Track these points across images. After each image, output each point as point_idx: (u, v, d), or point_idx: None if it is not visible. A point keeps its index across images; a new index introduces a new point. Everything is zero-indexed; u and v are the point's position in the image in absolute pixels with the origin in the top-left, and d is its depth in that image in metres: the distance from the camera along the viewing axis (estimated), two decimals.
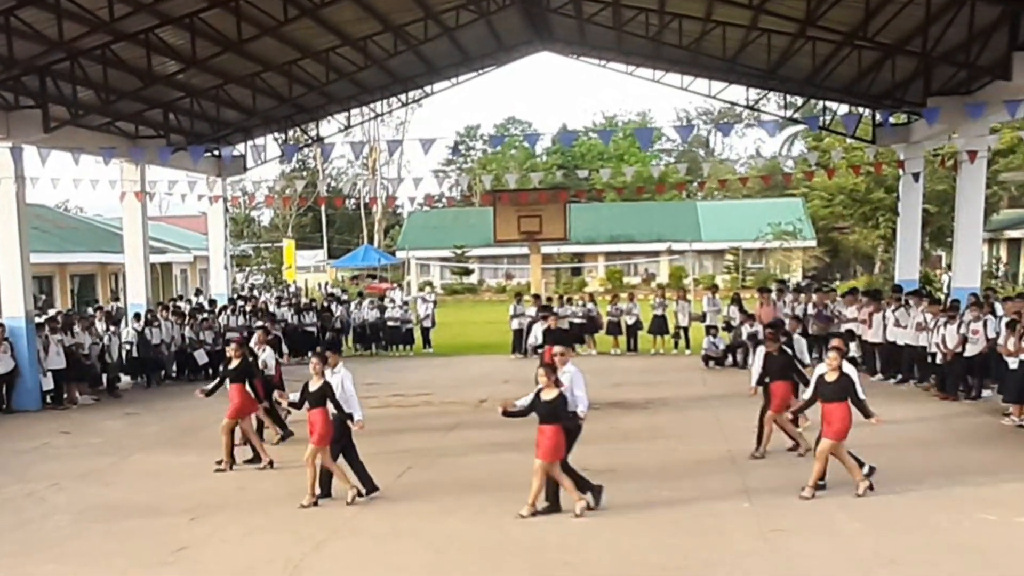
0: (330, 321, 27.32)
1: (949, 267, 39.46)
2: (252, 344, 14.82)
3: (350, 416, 10.93)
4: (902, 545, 9.00)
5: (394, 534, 9.78)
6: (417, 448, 13.80)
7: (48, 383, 18.83)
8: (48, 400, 18.96)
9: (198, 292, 33.42)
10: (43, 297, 30.04)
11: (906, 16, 17.13)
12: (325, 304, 28.89)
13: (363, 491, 10.97)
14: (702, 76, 27.03)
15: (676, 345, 24.99)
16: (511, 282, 54.75)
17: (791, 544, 9.14)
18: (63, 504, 11.34)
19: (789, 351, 12.92)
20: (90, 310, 24.82)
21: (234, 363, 13.12)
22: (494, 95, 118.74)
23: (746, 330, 21.67)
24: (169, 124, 23.69)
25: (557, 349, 10.91)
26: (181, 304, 26.27)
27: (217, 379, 13.60)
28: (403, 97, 30.91)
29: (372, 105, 31.02)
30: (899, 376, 18.86)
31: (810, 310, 21.70)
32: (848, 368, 10.70)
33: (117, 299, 33.21)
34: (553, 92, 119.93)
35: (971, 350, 16.35)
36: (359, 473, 11.07)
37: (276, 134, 29.04)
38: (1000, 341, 15.43)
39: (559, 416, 9.95)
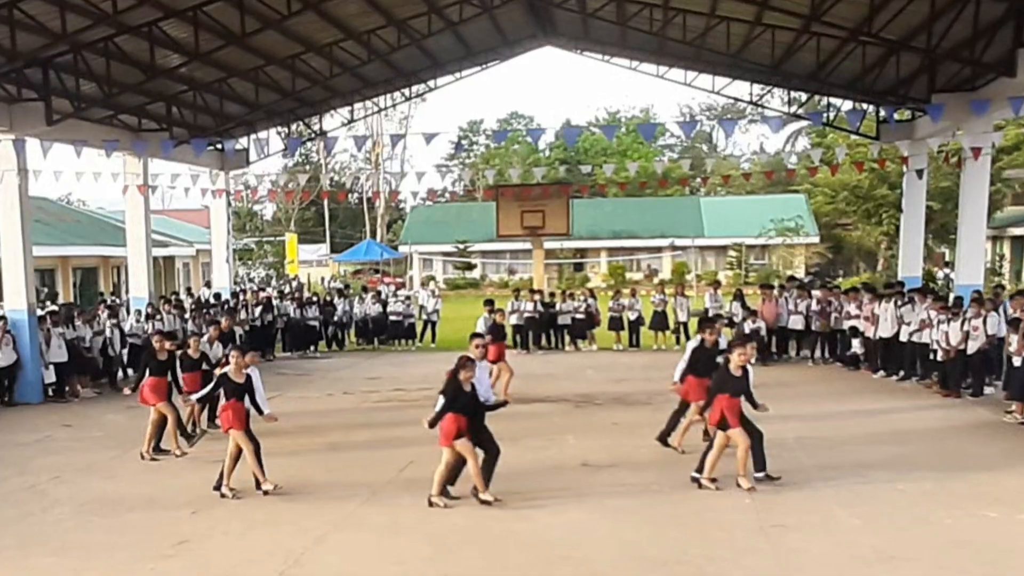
0: (332, 315, 27.34)
1: (947, 263, 39.50)
2: (205, 340, 15.11)
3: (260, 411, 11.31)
4: (902, 541, 8.99)
5: (395, 528, 9.79)
6: (419, 442, 13.73)
7: (50, 376, 18.86)
8: (50, 393, 18.99)
9: (207, 284, 33.45)
10: (45, 290, 30.06)
11: (911, 12, 17.07)
12: (327, 298, 28.92)
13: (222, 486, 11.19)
14: (706, 72, 26.96)
15: (677, 341, 24.95)
16: (513, 277, 54.72)
17: (791, 540, 9.13)
18: (64, 497, 11.35)
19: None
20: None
21: (160, 356, 13.33)
22: (497, 90, 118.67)
23: (748, 326, 21.69)
24: (172, 117, 23.65)
25: (477, 341, 11.11)
26: (185, 297, 26.32)
27: (139, 373, 13.67)
28: (406, 91, 30.89)
29: (375, 99, 31.00)
30: (901, 373, 18.85)
31: (813, 307, 21.69)
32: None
33: (114, 294, 33.20)
34: (556, 87, 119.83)
35: (972, 347, 16.35)
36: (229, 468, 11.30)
37: (279, 128, 29.03)
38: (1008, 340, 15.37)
39: (479, 406, 10.40)
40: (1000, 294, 18.63)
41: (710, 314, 23.54)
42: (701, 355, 12.61)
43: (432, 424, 10.37)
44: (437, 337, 27.67)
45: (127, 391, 13.87)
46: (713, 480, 10.81)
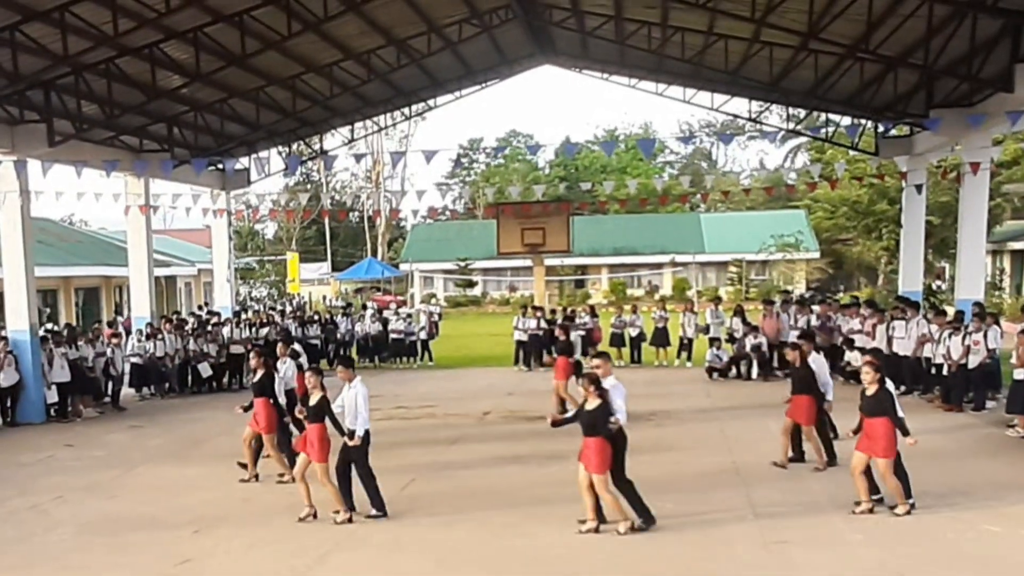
0: (334, 334, 27.36)
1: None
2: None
3: (351, 432, 10.59)
4: (906, 557, 8.98)
5: (397, 546, 9.79)
6: (421, 460, 13.80)
7: (52, 396, 18.85)
8: (52, 413, 18.98)
9: (203, 304, 33.55)
10: (47, 310, 30.09)
11: (908, 29, 17.16)
12: (329, 316, 28.95)
13: (374, 512, 10.77)
14: (704, 89, 27.09)
15: (678, 356, 24.94)
16: (515, 294, 54.75)
17: (794, 556, 9.12)
18: (67, 517, 11.35)
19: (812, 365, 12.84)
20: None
21: (258, 374, 12.85)
22: (497, 108, 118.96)
23: (749, 342, 21.71)
24: (173, 138, 23.75)
25: (595, 361, 10.79)
26: (189, 316, 26.37)
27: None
28: (406, 110, 31.00)
29: (375, 118, 31.12)
30: (902, 388, 18.84)
31: (814, 322, 21.69)
32: (889, 384, 10.61)
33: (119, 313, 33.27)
34: (556, 105, 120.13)
35: (974, 361, 16.35)
36: (372, 492, 10.82)
37: (280, 147, 29.13)
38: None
39: (596, 427, 9.72)
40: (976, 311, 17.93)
41: (711, 331, 23.63)
42: (792, 374, 12.99)
43: (554, 423, 10.59)
44: (434, 356, 27.66)
45: (238, 409, 13.03)
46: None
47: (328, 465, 10.60)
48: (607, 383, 10.08)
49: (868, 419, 10.33)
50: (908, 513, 10.17)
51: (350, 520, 10.57)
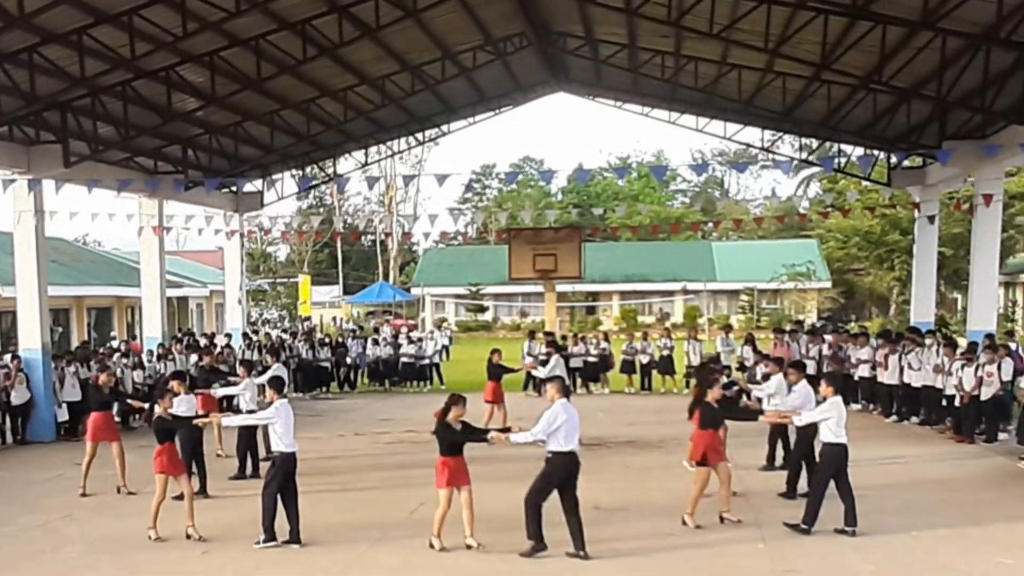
0: (344, 357, 27.39)
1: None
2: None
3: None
4: None
5: (406, 569, 9.77)
6: (430, 484, 13.72)
7: (63, 415, 18.92)
8: (63, 432, 19.03)
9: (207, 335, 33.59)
10: (59, 330, 30.18)
11: (921, 61, 17.17)
12: (339, 339, 29.00)
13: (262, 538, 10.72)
14: (717, 118, 27.15)
15: (688, 384, 24.84)
16: (525, 320, 54.73)
17: None
18: (75, 535, 11.37)
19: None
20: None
21: (104, 390, 14.68)
22: (510, 134, 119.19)
23: (760, 370, 21.58)
24: (187, 160, 23.91)
25: (547, 385, 11.11)
26: (200, 338, 26.40)
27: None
28: (420, 135, 31.15)
29: (389, 143, 31.25)
30: (914, 418, 18.77)
31: (825, 351, 21.63)
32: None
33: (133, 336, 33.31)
34: (569, 132, 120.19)
35: (986, 393, 16.27)
36: (269, 515, 10.73)
37: (293, 171, 29.28)
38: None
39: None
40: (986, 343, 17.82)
41: (721, 359, 23.54)
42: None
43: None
44: (444, 380, 27.61)
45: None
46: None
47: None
48: (553, 407, 10.22)
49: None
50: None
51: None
